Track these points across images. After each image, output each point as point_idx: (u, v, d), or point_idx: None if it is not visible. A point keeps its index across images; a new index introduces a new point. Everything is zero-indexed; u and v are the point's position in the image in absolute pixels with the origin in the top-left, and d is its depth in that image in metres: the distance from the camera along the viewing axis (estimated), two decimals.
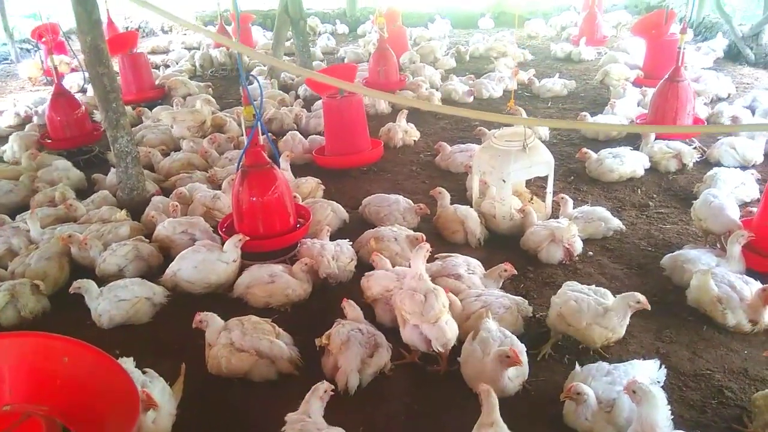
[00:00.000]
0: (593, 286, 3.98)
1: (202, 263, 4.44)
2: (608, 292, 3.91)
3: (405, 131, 7.82)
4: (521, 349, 3.54)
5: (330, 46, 14.71)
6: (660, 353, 3.82)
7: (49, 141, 7.52)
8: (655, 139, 6.69)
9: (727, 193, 5.19)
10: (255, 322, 3.85)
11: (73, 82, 11.33)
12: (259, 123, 4.66)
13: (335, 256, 4.71)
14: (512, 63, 11.04)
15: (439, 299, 3.64)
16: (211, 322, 3.81)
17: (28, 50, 15.96)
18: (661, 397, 2.78)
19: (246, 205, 4.80)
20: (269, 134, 5.03)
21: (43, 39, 12.60)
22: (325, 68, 8.89)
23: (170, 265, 4.58)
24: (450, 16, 17.09)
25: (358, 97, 6.93)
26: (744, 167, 6.17)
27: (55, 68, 7.45)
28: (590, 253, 5.05)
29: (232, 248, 4.54)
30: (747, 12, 13.91)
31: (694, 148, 6.65)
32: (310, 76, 6.73)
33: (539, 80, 9.99)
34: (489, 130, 7.52)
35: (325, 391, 3.12)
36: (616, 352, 3.87)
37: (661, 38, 9.23)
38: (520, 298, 4.14)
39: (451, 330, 3.66)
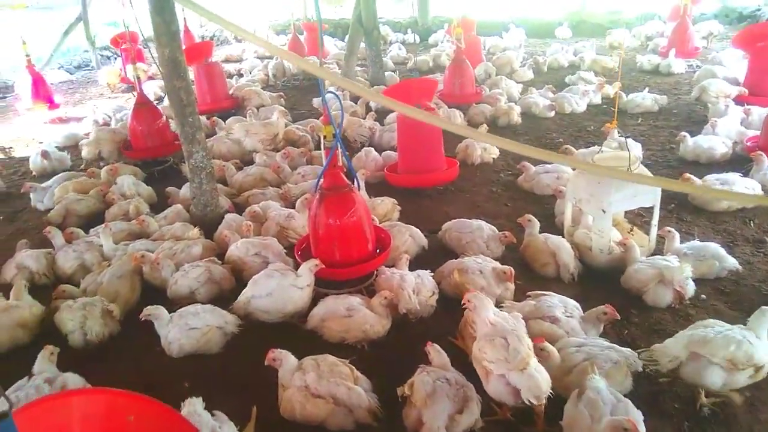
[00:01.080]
0: None
1: (277, 290, 4.18)
2: None
3: (484, 148, 7.38)
4: (638, 418, 3.05)
5: (401, 56, 14.44)
6: None
7: (131, 150, 7.51)
8: None
9: None
10: (332, 364, 3.52)
11: (149, 90, 11.49)
12: (339, 143, 4.35)
13: (416, 289, 4.33)
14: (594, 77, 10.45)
15: (523, 341, 3.24)
16: (284, 361, 3.51)
17: (108, 57, 16.53)
18: None
19: (323, 230, 4.50)
20: (347, 154, 4.70)
21: (123, 46, 12.94)
22: (404, 81, 8.54)
23: (243, 292, 4.33)
24: (525, 25, 16.53)
25: (435, 113, 6.55)
26: None
27: (138, 77, 7.44)
28: (703, 296, 4.47)
29: (307, 273, 4.26)
30: None
31: None
32: (379, 100, 6.40)
33: (627, 94, 9.32)
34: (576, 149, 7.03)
35: None
36: (745, 420, 3.32)
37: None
38: (628, 350, 3.62)
39: (543, 378, 3.21)
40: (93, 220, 6.13)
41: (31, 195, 6.74)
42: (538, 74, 11.95)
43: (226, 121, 8.72)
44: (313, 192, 4.62)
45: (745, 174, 6.08)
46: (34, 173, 7.87)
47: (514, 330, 3.33)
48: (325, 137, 4.36)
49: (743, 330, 3.40)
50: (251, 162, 7.36)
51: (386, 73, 11.76)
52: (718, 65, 10.29)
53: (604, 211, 4.66)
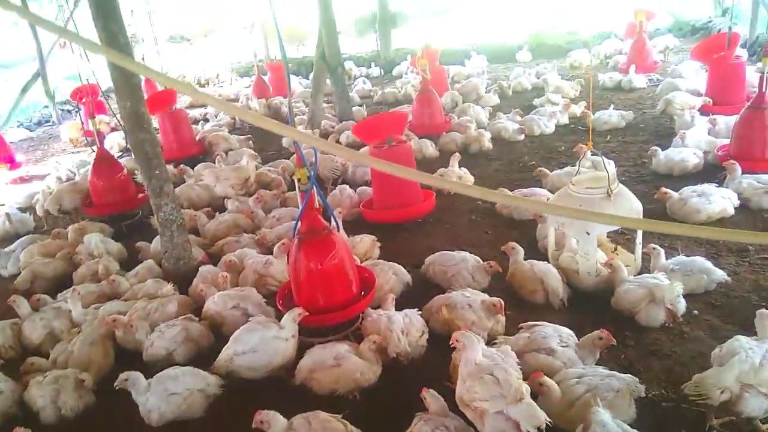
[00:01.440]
0: None
1: (260, 345, 3.96)
2: None
3: (459, 177, 7.32)
4: None
5: (367, 89, 14.47)
6: None
7: (92, 207, 7.26)
8: (742, 173, 6.03)
9: None
10: (324, 421, 3.33)
11: (113, 141, 11.28)
12: (314, 185, 4.22)
13: (405, 330, 4.17)
14: (561, 98, 10.57)
15: (510, 372, 3.21)
16: (273, 422, 3.30)
17: (69, 111, 16.23)
18: None
19: (304, 275, 4.32)
20: (323, 194, 4.57)
21: (83, 100, 12.72)
22: (374, 116, 8.50)
23: (224, 349, 4.10)
24: (486, 51, 16.74)
25: (407, 145, 6.50)
26: None
27: (97, 131, 7.24)
28: (695, 311, 4.39)
29: (291, 323, 4.07)
30: None
31: None
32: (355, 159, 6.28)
33: (593, 113, 9.41)
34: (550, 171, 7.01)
35: None
36: None
37: (727, 62, 8.60)
38: (629, 376, 3.50)
39: (537, 417, 3.09)
40: (61, 283, 5.84)
41: None
42: (504, 98, 12.04)
43: (195, 168, 8.53)
44: (290, 237, 4.45)
45: (720, 183, 6.11)
46: None
47: (497, 364, 3.26)
48: (299, 180, 4.23)
49: None
50: (223, 208, 7.17)
51: (354, 108, 11.72)
52: (678, 78, 10.49)
53: (588, 233, 4.59)
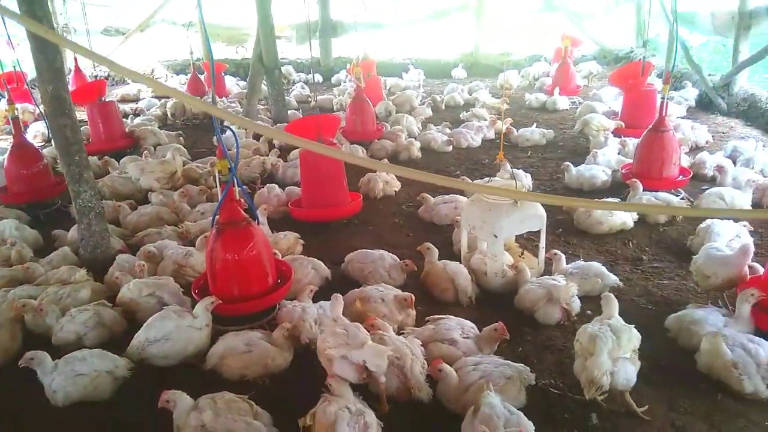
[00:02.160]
0: None
1: (175, 333, 4.01)
2: None
3: (386, 182, 7.56)
4: (530, 429, 3.19)
5: (304, 95, 14.59)
6: (676, 426, 3.52)
7: (7, 194, 7.03)
8: (643, 190, 6.55)
9: (725, 246, 4.99)
10: (229, 401, 3.43)
11: (36, 130, 10.92)
12: (234, 177, 4.33)
13: (318, 320, 4.33)
14: (488, 114, 11.06)
15: (360, 329, 3.69)
16: (178, 402, 3.38)
17: None
18: None
19: (220, 265, 4.41)
20: (245, 187, 4.68)
21: (8, 87, 12.22)
22: (307, 117, 8.65)
23: (136, 336, 4.12)
24: (423, 66, 17.26)
25: (337, 147, 6.67)
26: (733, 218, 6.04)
27: (15, 118, 7.01)
28: (588, 312, 4.75)
29: (203, 312, 4.14)
30: (713, 63, 14.31)
31: (681, 198, 6.53)
32: (277, 136, 6.44)
33: (517, 129, 9.91)
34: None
35: None
36: (629, 426, 3.54)
37: (639, 89, 9.28)
38: (521, 365, 3.79)
39: (383, 350, 3.53)
40: None
41: None
42: (437, 112, 12.45)
43: (120, 161, 8.40)
44: (211, 225, 4.53)
45: (624, 199, 6.61)
46: None
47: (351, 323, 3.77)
48: (220, 172, 4.33)
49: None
50: (146, 202, 7.11)
51: (289, 112, 11.82)
52: (597, 101, 11.19)
53: (495, 236, 4.89)
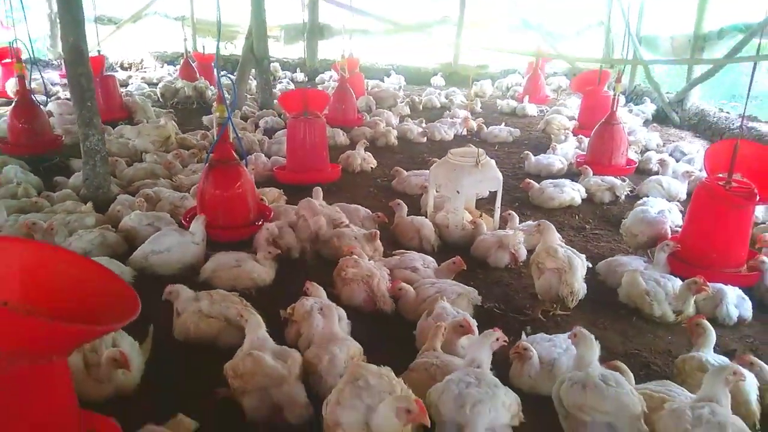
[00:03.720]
0: None
1: (176, 246, 4.61)
2: None
3: (363, 158, 8.25)
4: (474, 322, 3.85)
5: (289, 90, 15.21)
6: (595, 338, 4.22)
7: (9, 146, 7.53)
8: (593, 175, 7.35)
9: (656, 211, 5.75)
10: (224, 294, 4.05)
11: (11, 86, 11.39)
12: (230, 120, 4.96)
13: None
14: (462, 113, 11.85)
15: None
16: (181, 292, 3.98)
17: None
18: (595, 342, 3.13)
19: (209, 197, 5.02)
20: (238, 132, 5.32)
21: (4, 61, 12.71)
22: (299, 89, 9.32)
23: (140, 248, 4.70)
24: (404, 72, 18.11)
25: (322, 120, 7.36)
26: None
27: (21, 76, 7.53)
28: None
29: (199, 227, 4.74)
30: (672, 85, 15.39)
31: (624, 182, 7.34)
32: None
33: (487, 127, 10.71)
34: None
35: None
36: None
37: (597, 95, 10.17)
38: (471, 288, 4.48)
39: None
40: None
41: None
42: (414, 111, 13.20)
43: (115, 128, 8.93)
44: (204, 162, 5.14)
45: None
46: None
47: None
48: (218, 116, 4.96)
49: None
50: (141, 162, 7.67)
51: (275, 102, 12.45)
52: (562, 107, 12.08)
53: (458, 192, 5.61)
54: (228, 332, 3.83)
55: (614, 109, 7.56)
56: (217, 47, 5.33)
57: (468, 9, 17.83)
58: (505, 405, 2.72)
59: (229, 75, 5.89)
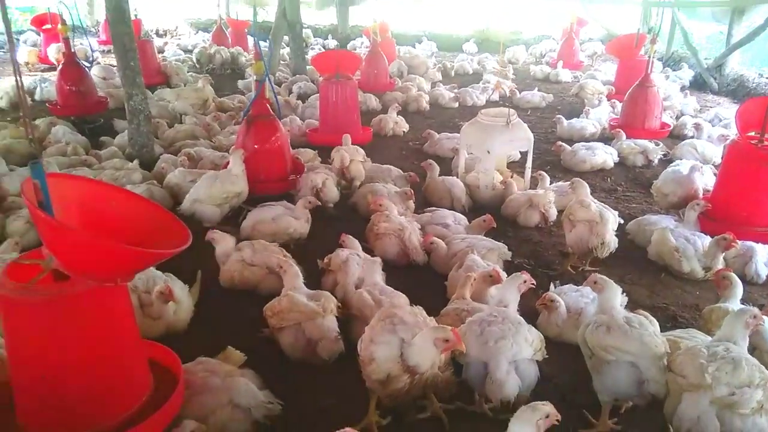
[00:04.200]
0: None
1: (218, 181, 4.86)
2: None
3: (395, 122, 8.36)
4: (504, 274, 3.99)
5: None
6: (623, 292, 4.32)
7: (57, 108, 7.84)
8: (626, 138, 7.33)
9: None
10: (265, 245, 4.27)
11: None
12: (267, 78, 5.12)
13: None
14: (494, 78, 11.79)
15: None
16: (221, 240, 4.22)
17: (23, 42, 16.29)
18: (617, 287, 3.24)
19: (248, 151, 5.22)
20: (275, 89, 5.50)
21: (44, 27, 13.03)
22: (331, 51, 9.43)
23: (187, 196, 4.95)
24: (436, 39, 17.96)
25: (353, 82, 7.46)
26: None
27: (67, 38, 7.79)
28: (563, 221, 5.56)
29: (238, 161, 4.96)
30: (711, 51, 14.99)
31: (657, 145, 7.31)
32: None
33: (519, 92, 10.67)
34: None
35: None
36: None
37: (633, 59, 10.02)
38: (501, 243, 4.61)
39: None
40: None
41: None
42: (446, 77, 13.18)
43: (155, 92, 9.18)
44: (241, 119, 5.33)
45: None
46: None
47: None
48: (255, 72, 5.12)
49: None
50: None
51: (307, 67, 12.56)
52: (596, 72, 11.92)
53: (488, 152, 5.69)
54: (269, 280, 4.05)
55: (649, 71, 7.47)
56: (254, 16, 5.44)
57: None
58: (528, 340, 2.87)
59: (267, 38, 5.98)
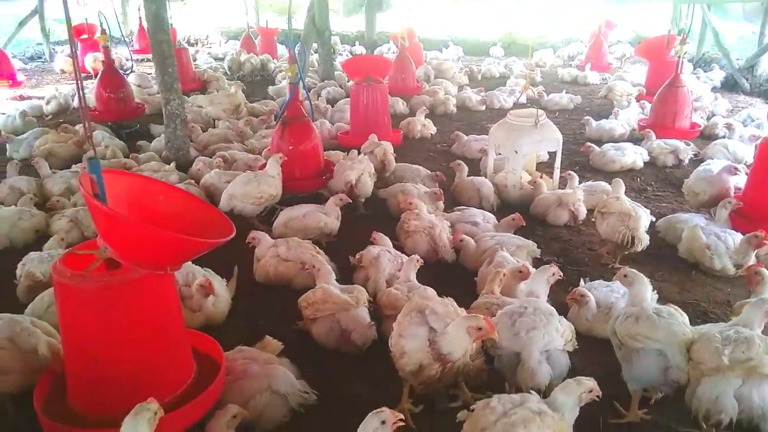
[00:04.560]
0: None
1: (253, 182, 5.01)
2: None
3: (423, 125, 8.46)
4: (533, 270, 4.03)
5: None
6: (654, 288, 4.33)
7: (97, 112, 8.12)
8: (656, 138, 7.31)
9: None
10: (299, 241, 4.40)
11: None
12: (301, 81, 5.27)
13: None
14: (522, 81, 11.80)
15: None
16: (262, 240, 4.36)
17: (60, 51, 16.87)
18: (647, 280, 3.28)
19: (284, 152, 5.37)
20: (308, 92, 5.66)
21: (82, 37, 13.46)
22: (362, 56, 9.62)
23: (224, 193, 5.14)
24: (462, 44, 18.03)
25: (384, 85, 7.59)
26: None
27: (107, 47, 8.09)
28: (593, 219, 5.56)
29: (274, 165, 5.12)
30: (742, 52, 14.76)
31: (688, 145, 7.26)
32: None
33: (547, 95, 10.67)
34: None
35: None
36: None
37: (663, 60, 9.95)
38: (530, 241, 4.66)
39: None
40: (71, 164, 6.72)
41: (7, 146, 7.26)
42: (473, 80, 13.24)
43: (189, 98, 9.44)
44: (276, 122, 5.49)
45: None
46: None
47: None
48: (289, 75, 5.28)
49: None
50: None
51: (336, 73, 12.75)
52: (625, 73, 11.85)
53: (516, 152, 5.75)
54: (302, 275, 4.17)
55: (679, 71, 7.43)
56: (290, 3, 5.59)
57: None
58: (559, 331, 2.93)
59: (300, 41, 6.15)
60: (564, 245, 5.13)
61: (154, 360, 2.64)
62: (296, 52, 5.24)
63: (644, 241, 4.48)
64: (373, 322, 3.53)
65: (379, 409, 2.24)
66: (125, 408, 2.61)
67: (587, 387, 2.41)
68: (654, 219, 4.92)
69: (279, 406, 2.92)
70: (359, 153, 6.10)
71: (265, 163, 5.63)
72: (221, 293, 3.82)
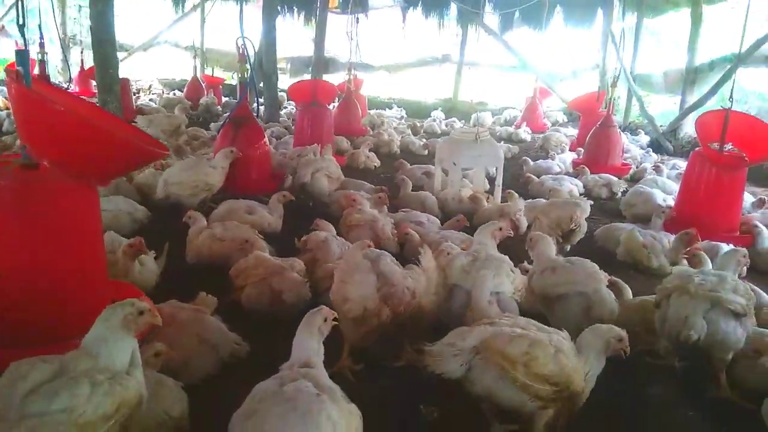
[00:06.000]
0: None
1: (194, 167, 4.79)
2: None
3: (367, 156, 8.50)
4: None
5: (293, 113, 15.64)
6: None
7: None
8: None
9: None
10: (235, 225, 4.20)
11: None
12: (252, 80, 5.22)
13: None
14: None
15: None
16: (197, 220, 4.15)
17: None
18: (549, 238, 3.52)
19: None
20: (258, 92, 5.60)
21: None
22: (311, 80, 9.70)
23: (160, 179, 4.87)
24: (405, 106, 18.65)
25: (328, 109, 7.66)
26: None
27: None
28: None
29: (223, 158, 4.93)
30: (665, 120, 15.95)
31: (620, 180, 7.58)
32: None
33: None
34: None
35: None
36: None
37: (595, 113, 10.53)
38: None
39: None
40: None
41: None
42: (416, 135, 13.53)
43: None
44: (224, 123, 5.38)
45: None
46: None
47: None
48: (240, 74, 5.23)
49: None
50: None
51: (281, 119, 12.80)
52: (561, 128, 12.48)
53: (455, 164, 5.84)
54: (238, 255, 3.93)
55: (610, 112, 7.87)
56: (240, 17, 5.60)
57: (467, 48, 18.63)
58: (510, 277, 2.87)
59: (245, 37, 6.10)
60: (505, 251, 5.10)
61: (65, 284, 2.36)
62: (239, 48, 5.19)
63: (583, 228, 4.56)
64: (306, 280, 3.35)
65: (317, 308, 2.10)
66: (27, 335, 2.32)
67: (617, 334, 2.32)
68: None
69: (207, 355, 2.66)
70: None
71: None
72: (148, 263, 3.55)
